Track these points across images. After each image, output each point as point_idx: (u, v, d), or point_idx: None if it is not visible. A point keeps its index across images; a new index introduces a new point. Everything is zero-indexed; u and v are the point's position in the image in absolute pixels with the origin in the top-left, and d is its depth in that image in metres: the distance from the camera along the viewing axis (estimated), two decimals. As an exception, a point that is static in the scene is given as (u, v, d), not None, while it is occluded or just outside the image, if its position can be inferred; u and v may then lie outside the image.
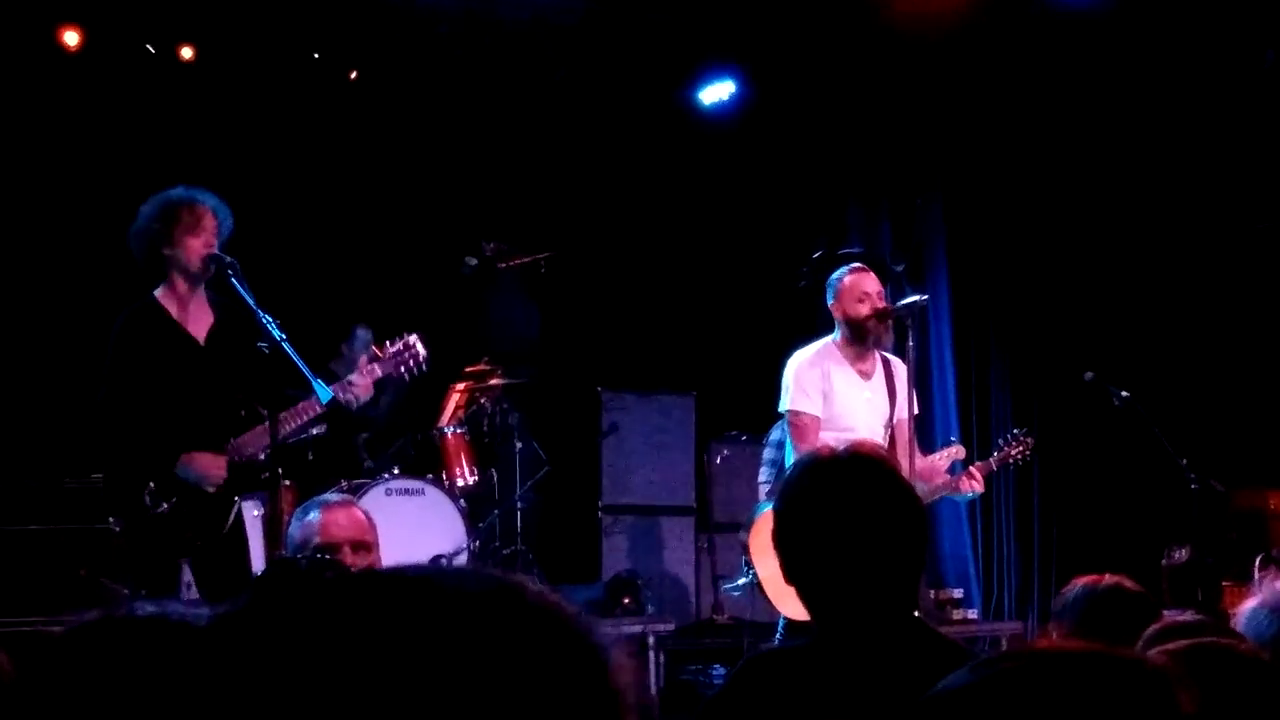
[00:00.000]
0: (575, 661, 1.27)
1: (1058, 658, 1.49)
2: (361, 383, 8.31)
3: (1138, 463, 12.51)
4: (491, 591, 1.28)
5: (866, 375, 9.34)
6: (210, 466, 7.94)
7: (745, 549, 9.26)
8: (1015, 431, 9.95)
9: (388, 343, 8.97)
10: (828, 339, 9.40)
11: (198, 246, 8.02)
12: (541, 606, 1.29)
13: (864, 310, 9.24)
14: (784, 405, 9.27)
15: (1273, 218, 13.05)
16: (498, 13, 13.07)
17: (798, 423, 9.14)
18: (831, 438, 8.87)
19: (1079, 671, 1.45)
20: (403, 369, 8.77)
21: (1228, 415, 13.14)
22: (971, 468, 9.69)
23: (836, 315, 9.34)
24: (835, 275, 9.48)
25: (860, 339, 9.28)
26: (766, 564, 8.86)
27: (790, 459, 9.20)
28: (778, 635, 8.98)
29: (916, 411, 9.53)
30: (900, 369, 9.48)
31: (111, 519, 7.96)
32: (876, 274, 9.56)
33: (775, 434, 10.45)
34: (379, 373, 8.65)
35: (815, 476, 3.86)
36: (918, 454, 9.30)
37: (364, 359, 8.70)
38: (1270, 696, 2.18)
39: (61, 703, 1.87)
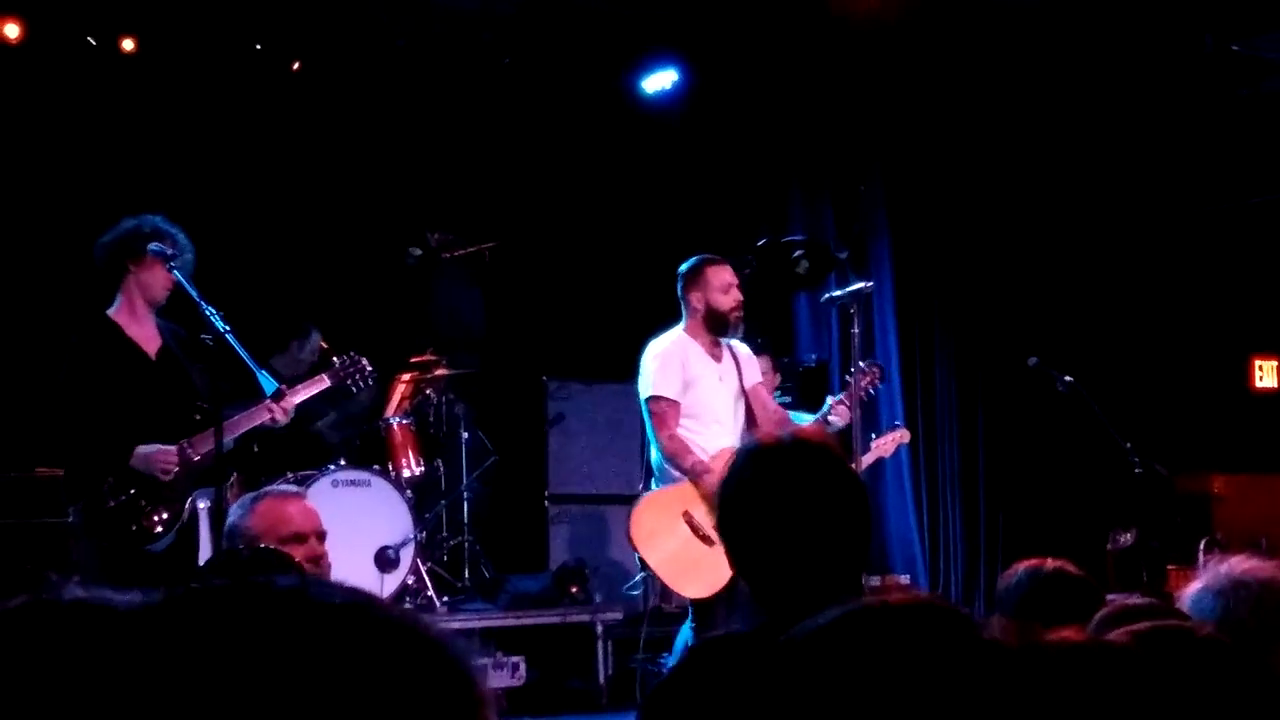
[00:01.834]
0: (437, 673, 1.29)
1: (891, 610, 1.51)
2: (279, 408, 8.35)
3: (1082, 447, 12.58)
4: (352, 604, 1.30)
5: (718, 359, 9.49)
6: (161, 455, 8.05)
7: (630, 543, 9.28)
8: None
9: (335, 358, 9.10)
10: (679, 327, 9.51)
11: (163, 279, 8.21)
12: (401, 620, 1.31)
13: (729, 302, 9.41)
14: (645, 393, 9.31)
15: (1215, 202, 13.14)
16: (440, 1, 13.04)
17: (657, 409, 9.21)
18: (691, 422, 9.21)
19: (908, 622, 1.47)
20: (349, 382, 9.01)
21: (1171, 400, 13.23)
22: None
23: (695, 304, 9.44)
24: (691, 266, 9.58)
25: (720, 330, 9.45)
26: (653, 551, 8.97)
27: (653, 447, 9.34)
28: (688, 621, 9.07)
29: (760, 379, 9.75)
30: (739, 345, 9.68)
31: (70, 509, 8.04)
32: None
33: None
34: (327, 383, 8.79)
35: (759, 464, 3.87)
36: (784, 412, 9.82)
37: (315, 378, 8.87)
38: (1231, 679, 2.20)
39: None
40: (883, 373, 10.29)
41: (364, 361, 9.15)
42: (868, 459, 10.53)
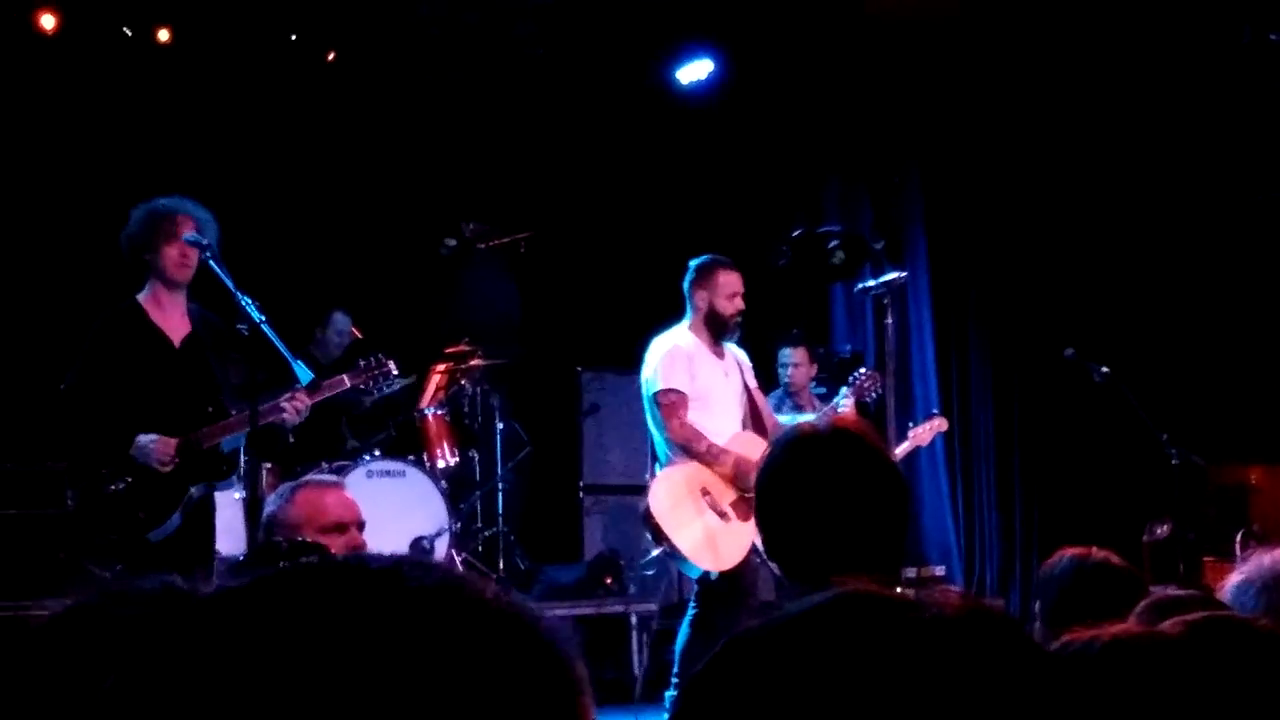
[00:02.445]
0: (534, 657, 1.27)
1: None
2: (291, 406, 8.31)
3: (1118, 438, 12.53)
4: (446, 585, 1.28)
5: (720, 356, 9.62)
6: (159, 447, 7.99)
7: (648, 520, 9.25)
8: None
9: (360, 359, 9.06)
10: (683, 325, 9.62)
11: (174, 255, 8.14)
12: (497, 603, 1.29)
13: (731, 309, 9.55)
14: (654, 386, 9.39)
15: (1260, 191, 13.07)
16: (475, -7, 13.05)
17: (667, 401, 9.30)
18: (696, 416, 9.27)
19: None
20: (371, 384, 8.95)
21: (1208, 391, 13.16)
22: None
23: (699, 304, 9.57)
24: (703, 265, 9.70)
25: (720, 333, 9.59)
26: (674, 524, 9.01)
27: (660, 440, 9.43)
28: (690, 605, 9.16)
29: (756, 385, 9.90)
30: (738, 350, 9.82)
31: (69, 494, 8.04)
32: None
33: None
34: (346, 384, 8.74)
35: (797, 452, 3.86)
36: (774, 416, 9.87)
37: (335, 378, 8.77)
38: None
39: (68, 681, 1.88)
40: (880, 380, 10.47)
41: (390, 364, 9.00)
42: (904, 448, 10.63)
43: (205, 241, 7.99)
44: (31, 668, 1.94)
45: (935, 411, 11.16)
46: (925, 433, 10.85)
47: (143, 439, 7.97)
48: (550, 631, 1.29)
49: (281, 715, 1.17)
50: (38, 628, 2.02)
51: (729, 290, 9.52)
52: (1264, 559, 3.40)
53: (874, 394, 10.41)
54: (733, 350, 9.71)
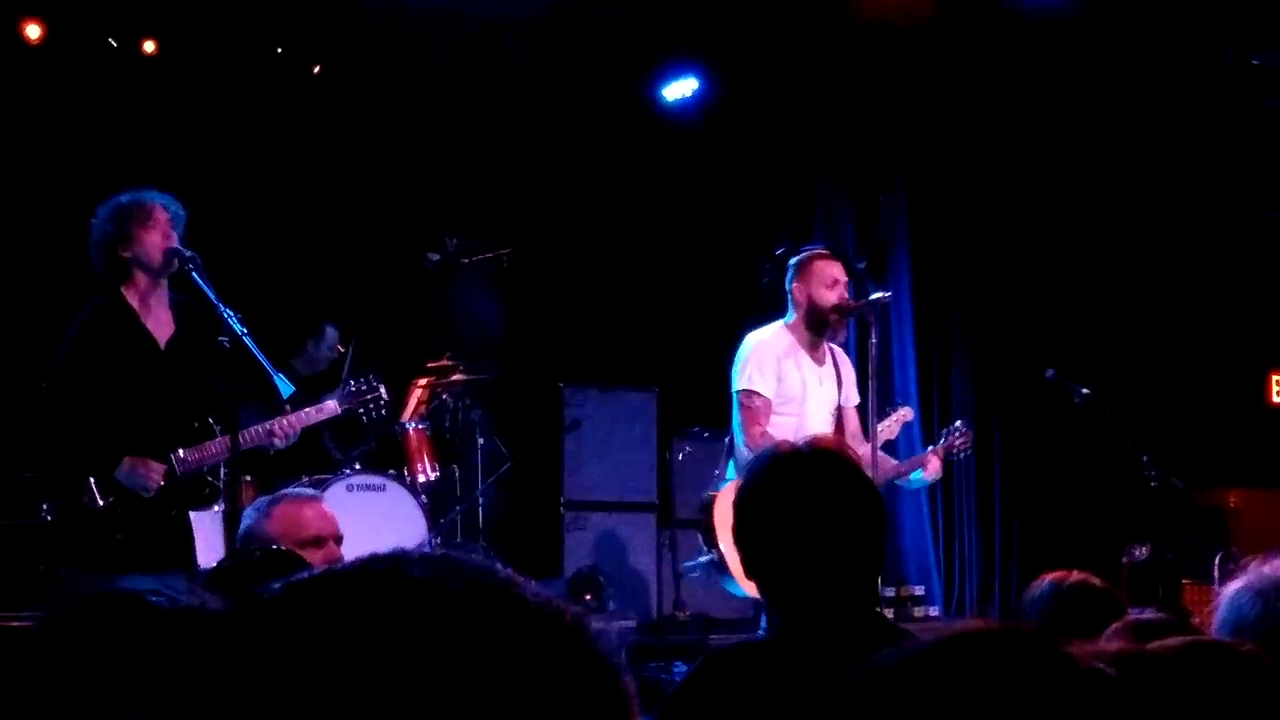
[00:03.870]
0: (580, 665, 1.25)
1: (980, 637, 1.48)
2: (281, 432, 8.27)
3: (1098, 460, 12.55)
4: (489, 588, 1.26)
5: (819, 361, 9.32)
6: (148, 473, 7.90)
7: (707, 527, 9.14)
8: (958, 424, 9.98)
9: (351, 381, 9.00)
10: (780, 323, 9.34)
11: (156, 240, 8.02)
12: (542, 608, 1.26)
13: (832, 297, 9.17)
14: (738, 385, 9.14)
15: (1236, 215, 13.10)
16: (462, 8, 13.05)
17: (749, 404, 9.04)
18: (782, 421, 8.97)
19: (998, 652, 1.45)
20: (360, 410, 8.86)
21: (1189, 413, 13.19)
22: (930, 452, 9.74)
23: (798, 297, 9.26)
24: (802, 256, 9.41)
25: (819, 328, 9.24)
26: (732, 538, 8.78)
27: (740, 440, 9.15)
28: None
29: (858, 401, 9.57)
30: (845, 360, 9.56)
31: (45, 506, 7.95)
32: (827, 255, 9.51)
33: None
34: (338, 410, 8.67)
35: (775, 471, 3.87)
36: (864, 442, 9.20)
37: (324, 404, 8.69)
38: (1270, 697, 2.16)
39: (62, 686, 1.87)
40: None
41: (381, 389, 8.97)
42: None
43: (189, 254, 7.95)
44: (23, 675, 1.94)
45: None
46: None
47: (129, 462, 7.87)
48: (599, 640, 1.27)
49: None
50: (28, 634, 2.02)
51: (827, 278, 9.17)
52: (1263, 567, 3.41)
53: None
54: (839, 360, 9.48)
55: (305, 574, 1.28)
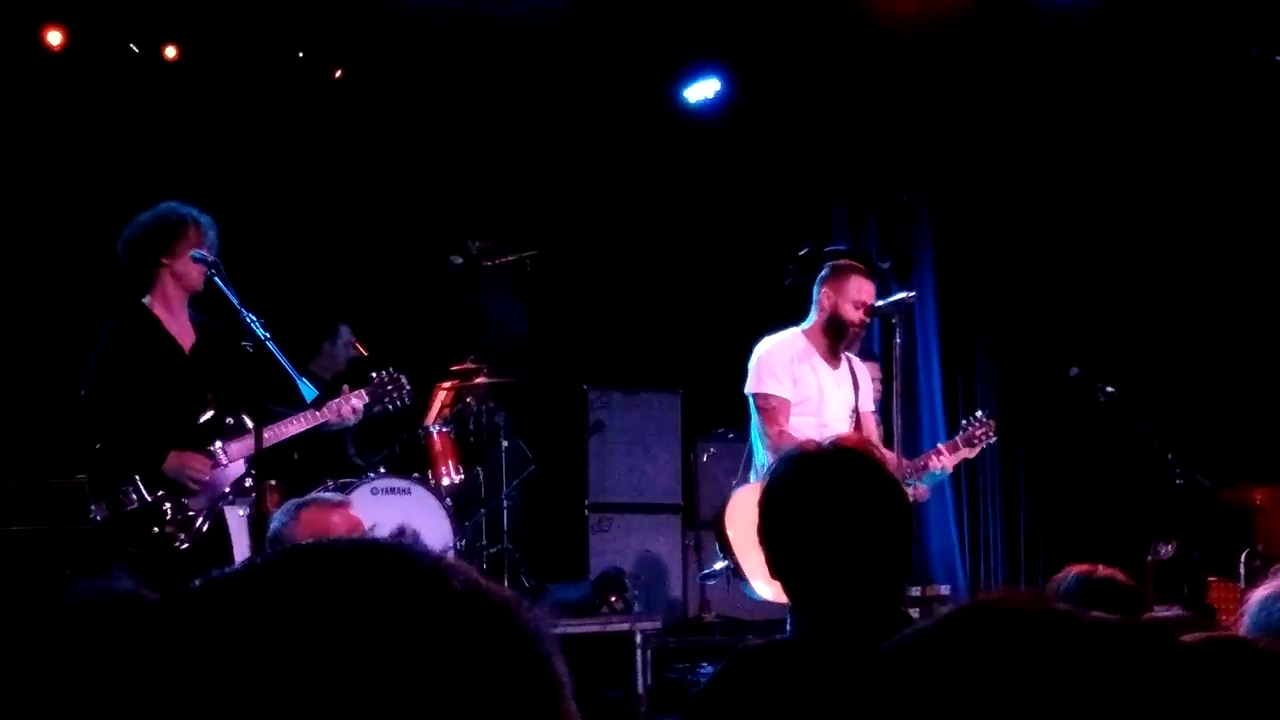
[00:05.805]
0: (510, 655, 1.24)
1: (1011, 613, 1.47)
2: (348, 407, 8.35)
3: (1123, 458, 12.51)
4: (420, 576, 1.25)
5: (834, 365, 9.37)
6: (195, 465, 7.99)
7: (721, 535, 9.16)
8: (978, 414, 9.93)
9: (373, 374, 9.01)
10: (798, 328, 9.40)
11: (199, 268, 8.11)
12: (470, 596, 1.26)
13: (857, 317, 9.25)
14: (750, 389, 9.21)
15: (1261, 213, 13.05)
16: (483, 10, 13.05)
17: (766, 406, 9.10)
18: (800, 422, 8.98)
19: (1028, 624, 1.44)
20: (385, 400, 8.88)
21: (1214, 411, 13.14)
22: (940, 446, 9.72)
23: (824, 305, 9.32)
24: (839, 265, 9.48)
25: (839, 338, 9.31)
26: (745, 544, 8.76)
27: (758, 443, 9.20)
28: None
29: (874, 409, 9.57)
30: (861, 366, 9.60)
31: (93, 508, 7.99)
32: (863, 272, 9.51)
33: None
34: (361, 403, 8.68)
35: (800, 470, 3.85)
36: (882, 446, 9.22)
37: (350, 395, 8.70)
38: None
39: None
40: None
41: (403, 379, 9.00)
42: (953, 459, 9.83)
43: (212, 259, 7.99)
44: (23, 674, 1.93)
45: (980, 414, 10.60)
46: (977, 435, 10.12)
47: (177, 456, 7.98)
48: (529, 625, 1.27)
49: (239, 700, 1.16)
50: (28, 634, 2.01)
51: (858, 297, 9.24)
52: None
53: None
54: (856, 367, 9.51)
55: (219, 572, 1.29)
